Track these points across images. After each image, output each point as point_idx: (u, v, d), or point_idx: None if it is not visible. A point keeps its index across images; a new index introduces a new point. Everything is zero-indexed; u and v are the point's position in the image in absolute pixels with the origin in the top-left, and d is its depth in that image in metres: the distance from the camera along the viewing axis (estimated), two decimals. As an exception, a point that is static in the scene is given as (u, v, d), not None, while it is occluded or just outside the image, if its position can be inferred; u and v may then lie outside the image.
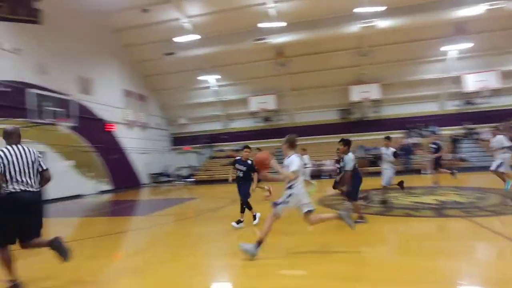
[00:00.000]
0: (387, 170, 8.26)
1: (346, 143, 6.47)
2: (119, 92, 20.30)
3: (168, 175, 23.44)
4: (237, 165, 6.78)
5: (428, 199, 8.70)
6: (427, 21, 17.46)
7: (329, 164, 19.11)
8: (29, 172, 3.83)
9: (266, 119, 23.86)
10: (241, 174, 6.73)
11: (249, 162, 6.64)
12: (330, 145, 21.62)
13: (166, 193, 17.16)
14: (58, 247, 3.75)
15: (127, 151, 20.41)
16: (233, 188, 13.63)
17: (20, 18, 13.78)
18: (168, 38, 19.22)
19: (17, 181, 3.74)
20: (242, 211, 6.69)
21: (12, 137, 3.97)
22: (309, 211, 4.58)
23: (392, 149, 8.25)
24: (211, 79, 23.10)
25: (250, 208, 6.76)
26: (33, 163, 3.90)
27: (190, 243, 6.08)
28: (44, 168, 4.01)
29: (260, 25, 17.75)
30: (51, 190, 14.33)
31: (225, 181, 12.97)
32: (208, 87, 23.72)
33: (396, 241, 5.55)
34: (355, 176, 6.36)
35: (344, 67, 21.13)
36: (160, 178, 22.83)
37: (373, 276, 3.79)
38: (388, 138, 8.54)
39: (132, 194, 16.80)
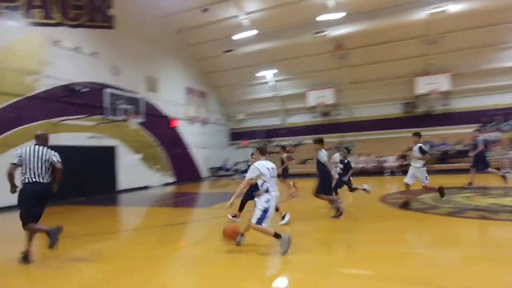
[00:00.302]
0: (420, 169, 7.65)
1: (319, 141, 7.26)
2: (181, 89, 21.38)
3: (226, 169, 24.19)
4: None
5: (509, 201, 7.82)
6: (508, 2, 15.56)
7: (391, 161, 18.15)
8: (40, 168, 4.72)
9: (324, 114, 23.33)
10: None
11: None
12: (392, 141, 20.50)
13: (224, 187, 17.72)
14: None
15: (188, 146, 21.48)
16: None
17: (97, 25, 15.23)
18: (227, 36, 19.73)
19: (32, 174, 4.66)
20: (240, 209, 6.96)
21: (39, 139, 5.00)
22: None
23: (418, 145, 7.63)
24: (269, 74, 23.23)
25: (241, 209, 6.96)
26: (45, 161, 4.78)
27: (248, 237, 6.21)
28: (57, 167, 4.91)
29: (319, 18, 17.35)
30: (123, 181, 15.78)
31: (281, 176, 13.10)
32: (265, 83, 23.90)
33: (469, 245, 5.08)
34: (325, 171, 7.04)
35: (409, 57, 19.76)
36: (219, 172, 23.65)
37: (442, 282, 3.52)
38: (416, 134, 7.85)
39: (193, 187, 17.67)
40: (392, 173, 17.64)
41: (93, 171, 14.23)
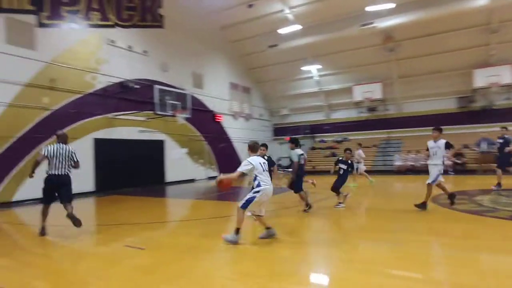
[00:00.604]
0: (436, 166, 7.07)
1: (293, 141, 7.83)
2: (226, 85, 21.78)
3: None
4: None
5: None
6: None
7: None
8: (62, 162, 5.82)
9: (371, 109, 22.52)
10: None
11: (266, 157, 6.78)
12: (445, 138, 19.21)
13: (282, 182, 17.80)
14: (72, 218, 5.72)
15: (232, 141, 21.87)
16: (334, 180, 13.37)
17: (148, 24, 15.99)
18: (271, 31, 19.70)
19: (53, 167, 5.77)
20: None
21: (59, 138, 6.04)
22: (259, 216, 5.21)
23: (443, 141, 7.06)
24: (313, 69, 22.87)
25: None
26: (67, 157, 5.88)
27: (293, 231, 6.22)
28: (75, 160, 6.03)
29: (368, 8, 16.68)
30: (170, 174, 16.51)
31: (327, 172, 12.90)
32: (310, 77, 23.58)
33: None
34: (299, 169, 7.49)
35: (466, 48, 18.35)
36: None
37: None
38: (437, 129, 7.24)
39: (236, 181, 17.94)
40: (446, 172, 16.58)
41: (143, 164, 15.09)
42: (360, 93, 21.91)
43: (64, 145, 5.98)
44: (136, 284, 3.63)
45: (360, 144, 14.00)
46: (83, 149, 12.71)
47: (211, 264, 4.43)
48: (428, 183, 7.17)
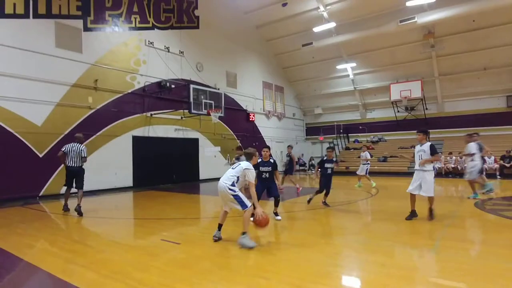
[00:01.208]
0: (427, 172, 6.42)
1: (240, 148, 9.60)
2: (259, 84, 21.88)
3: (301, 164, 24.08)
4: (261, 168, 6.81)
5: None
6: None
7: (490, 162, 16.05)
8: (75, 157, 7.86)
9: (409, 109, 21.66)
10: (267, 175, 6.82)
11: (272, 161, 6.90)
12: (492, 139, 18.09)
13: (299, 182, 17.68)
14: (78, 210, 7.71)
15: (264, 140, 21.93)
16: (364, 181, 12.99)
17: (184, 25, 16.43)
18: (305, 29, 19.52)
19: (69, 160, 7.83)
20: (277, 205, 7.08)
21: (76, 139, 8.01)
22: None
23: (427, 144, 6.46)
24: (348, 68, 22.39)
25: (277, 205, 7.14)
26: (77, 153, 7.84)
27: (325, 232, 6.14)
28: (83, 156, 7.94)
29: (408, 3, 16.04)
30: (204, 171, 16.86)
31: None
32: (344, 76, 23.11)
33: None
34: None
35: (517, 43, 17.16)
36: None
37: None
38: (423, 131, 6.66)
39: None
40: (492, 175, 15.60)
41: (178, 161, 15.57)
42: (397, 91, 21.15)
43: (77, 144, 7.90)
44: (172, 278, 3.76)
45: (367, 147, 14.09)
46: (123, 146, 13.35)
47: (241, 262, 4.48)
48: (430, 197, 6.56)
